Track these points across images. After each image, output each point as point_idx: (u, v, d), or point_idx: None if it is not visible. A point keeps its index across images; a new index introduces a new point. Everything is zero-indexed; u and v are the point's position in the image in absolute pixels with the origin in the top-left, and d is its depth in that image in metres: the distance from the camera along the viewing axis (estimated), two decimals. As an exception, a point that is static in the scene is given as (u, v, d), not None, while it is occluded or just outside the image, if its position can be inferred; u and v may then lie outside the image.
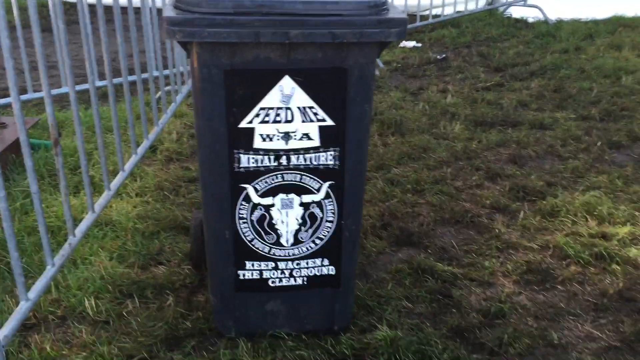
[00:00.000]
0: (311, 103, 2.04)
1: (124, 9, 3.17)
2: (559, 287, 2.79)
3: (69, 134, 4.03)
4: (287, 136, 2.08)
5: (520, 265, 2.92)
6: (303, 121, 2.06)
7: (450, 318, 2.55)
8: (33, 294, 2.18)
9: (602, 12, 7.77)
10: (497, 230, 3.20)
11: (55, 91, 4.45)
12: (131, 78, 4.48)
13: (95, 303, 2.51)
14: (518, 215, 3.34)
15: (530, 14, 7.86)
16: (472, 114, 4.72)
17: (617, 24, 7.50)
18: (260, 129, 2.05)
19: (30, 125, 3.70)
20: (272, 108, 2.03)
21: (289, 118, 2.05)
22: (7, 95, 4.56)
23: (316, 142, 2.11)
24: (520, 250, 3.05)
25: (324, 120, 2.07)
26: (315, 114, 2.06)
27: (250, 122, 2.04)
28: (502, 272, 2.88)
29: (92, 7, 3.15)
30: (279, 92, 2.01)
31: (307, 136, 2.09)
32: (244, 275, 2.29)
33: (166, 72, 4.69)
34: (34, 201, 2.19)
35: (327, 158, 2.14)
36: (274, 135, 2.07)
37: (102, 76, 4.87)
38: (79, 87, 4.47)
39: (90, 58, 2.65)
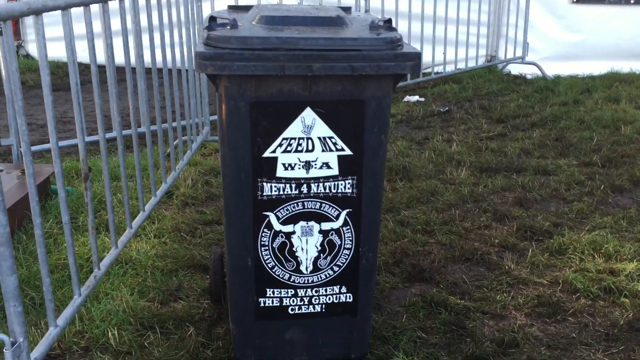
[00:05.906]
0: (331, 133, 2.17)
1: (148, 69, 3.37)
2: (570, 319, 2.85)
3: (92, 181, 4.14)
4: (308, 165, 2.20)
5: (531, 299, 2.98)
6: (323, 150, 2.19)
7: (465, 347, 2.60)
8: (62, 320, 2.25)
9: (598, 69, 8.04)
10: (506, 267, 3.27)
11: (88, 138, 4.62)
12: (152, 128, 4.67)
13: (118, 334, 2.57)
14: (527, 253, 3.42)
15: (528, 71, 8.13)
16: (477, 161, 4.86)
17: (614, 79, 7.74)
18: (282, 158, 2.18)
19: (51, 173, 3.83)
20: (294, 138, 2.16)
21: (310, 148, 2.18)
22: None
23: (335, 171, 2.23)
24: (531, 285, 3.12)
25: (342, 149, 2.20)
26: (335, 143, 2.19)
27: (274, 151, 2.17)
28: (513, 305, 2.94)
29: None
30: (300, 123, 2.14)
31: (326, 165, 2.21)
32: (264, 302, 2.37)
33: (183, 122, 4.87)
34: (65, 231, 2.29)
35: (345, 186, 2.25)
36: (295, 164, 2.19)
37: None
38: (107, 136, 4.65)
39: (116, 110, 2.82)
